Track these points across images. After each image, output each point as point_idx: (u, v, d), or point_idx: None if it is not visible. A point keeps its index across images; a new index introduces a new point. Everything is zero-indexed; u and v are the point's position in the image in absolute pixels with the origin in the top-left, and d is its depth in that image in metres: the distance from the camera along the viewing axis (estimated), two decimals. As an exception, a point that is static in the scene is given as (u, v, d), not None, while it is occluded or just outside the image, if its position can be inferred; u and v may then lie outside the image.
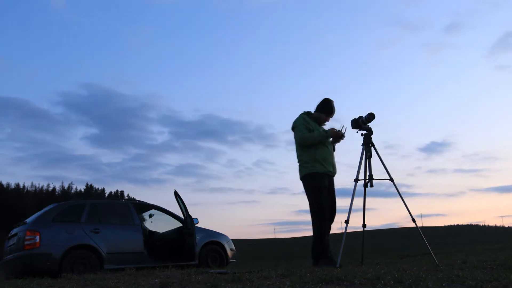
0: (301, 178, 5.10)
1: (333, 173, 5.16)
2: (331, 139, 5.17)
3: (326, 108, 5.24)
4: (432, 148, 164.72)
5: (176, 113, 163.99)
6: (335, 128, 5.14)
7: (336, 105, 5.28)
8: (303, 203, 5.39)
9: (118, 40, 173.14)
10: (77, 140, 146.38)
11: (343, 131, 5.14)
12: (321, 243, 4.90)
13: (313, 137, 4.98)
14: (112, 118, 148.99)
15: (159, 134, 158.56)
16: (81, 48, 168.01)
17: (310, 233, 5.11)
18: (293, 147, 5.29)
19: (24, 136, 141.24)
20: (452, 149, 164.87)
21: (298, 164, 5.18)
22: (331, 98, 5.29)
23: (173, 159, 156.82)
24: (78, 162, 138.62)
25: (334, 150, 5.30)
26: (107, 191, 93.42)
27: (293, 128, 5.18)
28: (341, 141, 5.22)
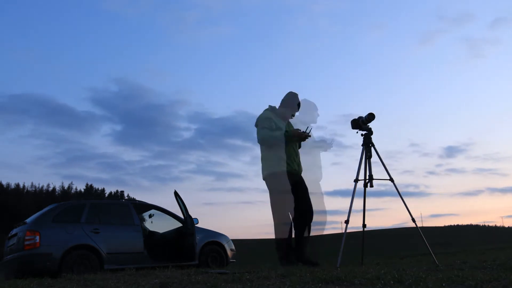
0: (264, 177, 4.95)
1: (298, 171, 5.04)
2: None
3: (291, 103, 5.14)
4: (456, 147, 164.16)
5: (206, 109, 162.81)
6: (300, 129, 5.04)
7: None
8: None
9: (155, 33, 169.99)
10: (100, 137, 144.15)
11: (307, 131, 5.06)
12: (282, 244, 4.81)
13: (274, 138, 4.83)
14: (140, 115, 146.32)
15: (186, 130, 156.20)
16: (115, 40, 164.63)
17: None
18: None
19: (45, 133, 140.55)
20: (476, 148, 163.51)
21: (261, 162, 5.01)
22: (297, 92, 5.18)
23: (196, 156, 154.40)
24: (98, 160, 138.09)
25: (299, 147, 5.22)
26: (116, 191, 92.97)
27: (256, 125, 5.01)
28: (307, 140, 5.13)
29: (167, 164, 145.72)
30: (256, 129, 5.05)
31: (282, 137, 4.85)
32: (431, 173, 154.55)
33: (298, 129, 4.99)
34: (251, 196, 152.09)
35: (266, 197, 4.96)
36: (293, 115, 5.22)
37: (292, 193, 4.84)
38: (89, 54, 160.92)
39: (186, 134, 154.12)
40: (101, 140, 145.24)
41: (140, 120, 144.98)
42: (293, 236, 4.96)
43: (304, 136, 5.00)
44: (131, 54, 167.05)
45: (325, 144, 5.28)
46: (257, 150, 5.09)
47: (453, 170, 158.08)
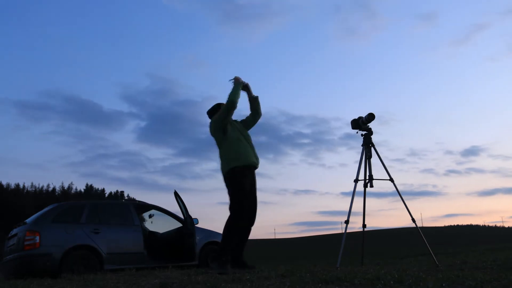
0: (225, 174, 4.67)
1: (257, 164, 4.79)
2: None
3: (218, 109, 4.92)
4: (479, 146, 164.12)
5: (238, 105, 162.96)
6: (242, 125, 4.93)
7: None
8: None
9: (194, 25, 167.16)
10: (125, 134, 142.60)
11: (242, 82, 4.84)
12: (225, 245, 4.59)
13: (231, 95, 4.64)
14: (168, 111, 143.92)
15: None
16: (152, 34, 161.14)
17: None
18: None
19: (70, 130, 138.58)
20: (499, 147, 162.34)
21: (220, 161, 4.79)
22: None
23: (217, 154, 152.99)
24: (120, 157, 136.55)
25: (257, 103, 5.00)
26: (116, 191, 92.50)
27: (211, 123, 4.85)
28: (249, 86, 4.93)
29: (189, 161, 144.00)
30: (210, 128, 4.88)
31: (234, 92, 4.68)
32: (452, 171, 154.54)
33: (236, 76, 4.82)
34: (267, 196, 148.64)
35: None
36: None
37: (246, 192, 4.58)
38: (123, 46, 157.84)
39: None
40: (125, 137, 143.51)
41: (168, 116, 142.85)
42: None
43: (241, 81, 4.82)
44: (167, 47, 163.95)
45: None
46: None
47: (473, 169, 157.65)
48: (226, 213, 4.62)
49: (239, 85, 4.79)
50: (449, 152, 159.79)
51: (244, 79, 4.92)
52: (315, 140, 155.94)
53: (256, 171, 4.88)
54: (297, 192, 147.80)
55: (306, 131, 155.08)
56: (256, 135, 5.06)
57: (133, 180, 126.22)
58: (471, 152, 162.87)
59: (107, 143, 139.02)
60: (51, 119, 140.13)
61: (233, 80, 4.85)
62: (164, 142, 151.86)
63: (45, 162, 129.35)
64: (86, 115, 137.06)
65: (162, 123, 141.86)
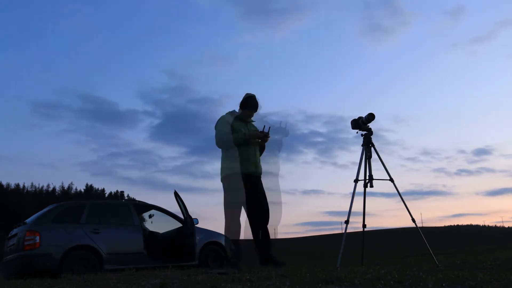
0: (221, 180, 4.91)
1: (256, 173, 4.93)
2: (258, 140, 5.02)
3: (248, 104, 5.08)
4: (491, 146, 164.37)
5: None
6: (258, 129, 4.99)
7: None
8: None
9: (214, 22, 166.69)
10: (139, 132, 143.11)
11: (266, 130, 4.98)
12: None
13: (230, 140, 4.79)
14: (184, 109, 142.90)
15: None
16: (171, 29, 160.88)
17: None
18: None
19: (83, 127, 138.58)
20: (510, 146, 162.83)
21: (221, 160, 4.97)
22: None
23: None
24: (132, 156, 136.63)
25: (264, 149, 5.13)
26: (116, 191, 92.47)
27: (215, 128, 5.02)
28: (268, 139, 5.05)
29: (200, 160, 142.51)
30: (215, 131, 5.05)
31: (238, 140, 4.82)
32: (463, 170, 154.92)
33: (255, 130, 4.97)
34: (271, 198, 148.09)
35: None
36: (252, 116, 5.15)
37: (246, 196, 4.76)
38: (140, 43, 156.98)
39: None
40: (138, 135, 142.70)
41: (183, 114, 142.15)
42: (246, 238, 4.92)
43: (263, 136, 4.95)
44: (186, 43, 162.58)
45: (282, 131, 5.16)
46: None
47: (484, 169, 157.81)
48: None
49: (249, 140, 4.91)
50: (461, 151, 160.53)
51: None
52: (329, 138, 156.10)
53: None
54: (306, 191, 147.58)
55: (322, 129, 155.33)
56: (271, 133, 5.15)
57: (142, 179, 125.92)
58: (484, 151, 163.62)
59: (120, 141, 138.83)
60: (65, 117, 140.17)
61: (269, 128, 5.01)
62: (177, 141, 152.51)
63: (57, 160, 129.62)
64: (101, 113, 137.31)
65: (176, 121, 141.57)
